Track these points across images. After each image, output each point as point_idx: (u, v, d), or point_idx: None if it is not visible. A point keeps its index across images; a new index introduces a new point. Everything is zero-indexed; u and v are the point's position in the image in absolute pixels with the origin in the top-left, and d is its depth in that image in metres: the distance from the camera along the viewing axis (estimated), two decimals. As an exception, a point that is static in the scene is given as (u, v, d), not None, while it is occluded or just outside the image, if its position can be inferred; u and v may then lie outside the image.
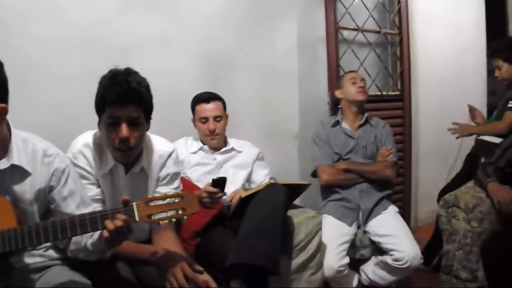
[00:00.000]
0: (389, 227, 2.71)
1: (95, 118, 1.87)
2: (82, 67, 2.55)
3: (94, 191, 1.90)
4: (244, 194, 2.39)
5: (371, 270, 2.74)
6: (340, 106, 3.05)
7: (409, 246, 2.58)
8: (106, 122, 1.80)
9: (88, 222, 1.48)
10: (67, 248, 1.69)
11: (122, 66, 1.81)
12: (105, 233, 1.49)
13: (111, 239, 1.49)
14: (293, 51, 3.39)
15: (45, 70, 2.50)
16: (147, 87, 1.83)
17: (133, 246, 1.85)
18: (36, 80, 2.46)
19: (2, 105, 1.46)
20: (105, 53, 2.54)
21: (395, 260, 2.58)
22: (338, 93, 3.02)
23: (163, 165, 2.01)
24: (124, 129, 1.77)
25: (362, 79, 3.01)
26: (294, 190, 2.53)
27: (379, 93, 3.64)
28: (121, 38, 2.70)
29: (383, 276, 2.69)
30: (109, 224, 1.48)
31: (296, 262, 2.47)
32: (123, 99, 1.75)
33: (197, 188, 2.39)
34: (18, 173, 1.57)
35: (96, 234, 1.61)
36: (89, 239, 1.63)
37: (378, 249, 2.73)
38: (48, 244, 1.71)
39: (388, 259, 2.62)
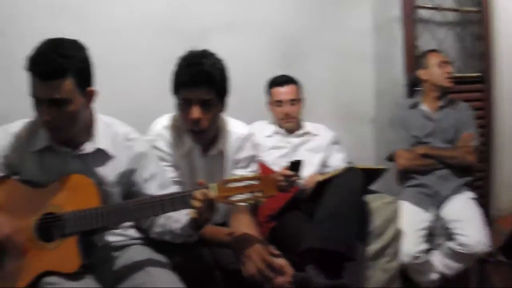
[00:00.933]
0: (460, 212, 2.61)
1: (171, 102, 1.88)
2: (157, 53, 2.60)
3: (172, 173, 1.91)
4: (321, 178, 2.37)
5: (438, 259, 2.62)
6: (418, 88, 2.93)
7: (474, 231, 2.49)
8: (179, 103, 1.82)
9: (167, 202, 1.51)
10: (151, 229, 1.72)
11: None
12: (193, 213, 1.51)
13: (200, 216, 1.51)
14: (368, 32, 3.31)
15: (121, 57, 2.57)
16: (221, 70, 1.82)
17: (210, 228, 1.84)
18: (113, 67, 2.51)
19: (92, 88, 1.50)
20: (179, 38, 2.57)
21: (459, 245, 2.49)
22: (422, 74, 2.87)
23: (240, 148, 2.00)
24: (195, 111, 1.77)
25: (449, 63, 2.87)
26: (371, 174, 2.48)
27: (458, 74, 3.47)
28: (194, 23, 2.73)
29: (448, 265, 2.58)
30: (196, 201, 1.49)
31: (372, 248, 2.42)
32: (195, 81, 1.75)
33: (272, 171, 2.38)
34: (102, 156, 1.62)
35: (184, 218, 1.62)
36: (176, 223, 1.65)
37: (449, 235, 2.62)
38: (129, 223, 1.76)
39: (453, 244, 2.53)
